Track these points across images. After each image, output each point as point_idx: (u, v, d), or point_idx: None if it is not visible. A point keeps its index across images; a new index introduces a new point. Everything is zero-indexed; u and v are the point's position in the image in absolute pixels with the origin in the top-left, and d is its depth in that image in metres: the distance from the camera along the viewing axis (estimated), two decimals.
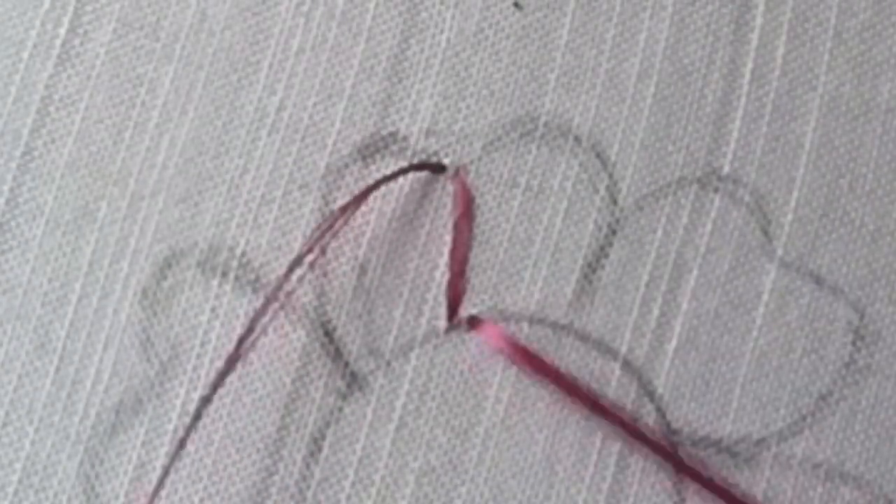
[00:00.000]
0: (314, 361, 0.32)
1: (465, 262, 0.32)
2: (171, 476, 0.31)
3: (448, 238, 0.32)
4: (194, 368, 0.32)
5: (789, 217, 0.33)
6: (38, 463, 0.32)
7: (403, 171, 0.32)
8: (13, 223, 0.32)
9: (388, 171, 0.32)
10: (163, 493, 0.32)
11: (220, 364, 0.32)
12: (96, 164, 0.32)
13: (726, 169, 0.33)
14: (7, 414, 0.32)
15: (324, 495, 0.32)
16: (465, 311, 0.32)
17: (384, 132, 0.32)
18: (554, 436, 0.32)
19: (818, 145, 0.33)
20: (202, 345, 0.32)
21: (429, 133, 0.32)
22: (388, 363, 0.32)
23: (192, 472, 0.32)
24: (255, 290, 0.32)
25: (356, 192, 0.32)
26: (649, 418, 0.32)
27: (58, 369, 0.32)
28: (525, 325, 0.32)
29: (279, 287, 0.32)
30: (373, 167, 0.32)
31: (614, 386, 0.32)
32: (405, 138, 0.32)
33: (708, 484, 0.32)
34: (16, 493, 0.32)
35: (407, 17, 0.32)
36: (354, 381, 0.32)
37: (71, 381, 0.32)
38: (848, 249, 0.33)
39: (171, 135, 0.32)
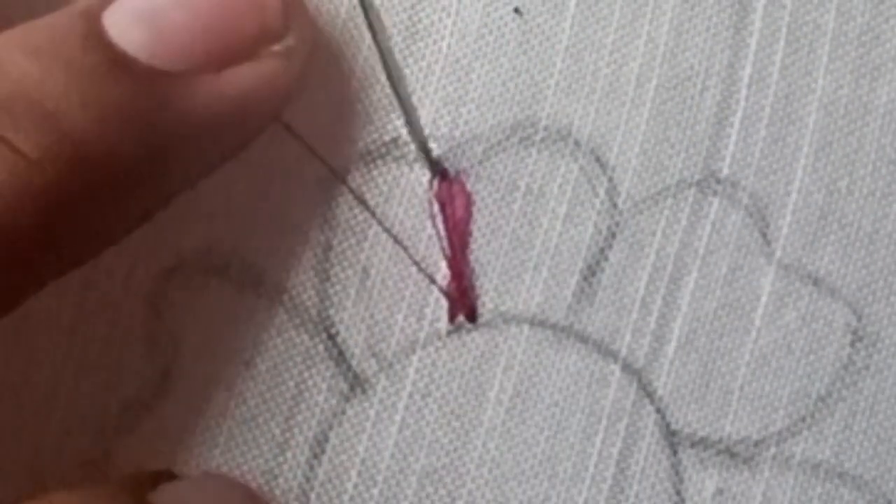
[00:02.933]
0: (317, 364, 0.32)
1: (466, 265, 0.32)
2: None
3: (448, 242, 0.32)
4: (196, 369, 0.32)
5: (787, 219, 0.33)
6: (40, 465, 0.32)
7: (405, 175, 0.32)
8: None
9: (391, 177, 0.32)
10: None
11: (223, 367, 0.32)
12: None
13: (725, 172, 0.33)
14: (10, 416, 0.32)
15: (327, 497, 0.32)
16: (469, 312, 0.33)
17: (385, 137, 0.32)
18: (554, 437, 0.32)
19: (816, 148, 0.33)
20: (204, 346, 0.32)
21: (430, 138, 0.32)
22: (391, 365, 0.33)
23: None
24: (257, 292, 0.32)
25: (358, 197, 0.32)
26: (649, 419, 0.33)
27: (59, 370, 0.32)
28: (526, 327, 0.33)
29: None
30: (375, 172, 0.32)
31: (614, 387, 0.33)
32: (407, 143, 0.32)
33: None
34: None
35: (408, 24, 0.32)
36: (357, 383, 0.32)
37: (73, 382, 0.32)
38: (846, 251, 0.33)
39: None
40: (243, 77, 0.29)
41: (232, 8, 0.29)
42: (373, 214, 0.32)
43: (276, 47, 0.30)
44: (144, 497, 0.28)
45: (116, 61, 0.28)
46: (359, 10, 0.32)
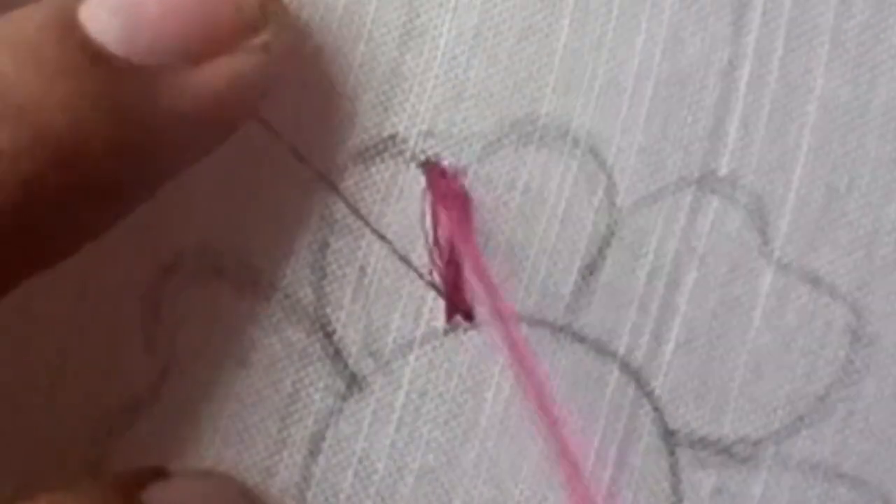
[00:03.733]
0: (314, 363, 0.32)
1: (463, 263, 0.32)
2: None
3: (445, 240, 0.32)
4: (193, 368, 0.32)
5: (787, 219, 0.33)
6: (39, 465, 0.32)
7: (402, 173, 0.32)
8: None
9: (388, 174, 0.32)
10: None
11: (220, 365, 0.32)
12: None
13: (724, 171, 0.33)
14: (8, 415, 0.32)
15: (323, 495, 0.32)
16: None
17: (384, 135, 0.32)
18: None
19: (815, 147, 0.33)
20: (201, 344, 0.32)
21: (428, 135, 0.32)
22: (388, 364, 0.33)
23: None
24: (254, 291, 0.32)
25: (355, 194, 0.32)
26: (647, 419, 0.33)
27: (57, 369, 0.32)
28: (524, 326, 0.33)
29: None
30: (373, 169, 0.32)
31: (612, 387, 0.33)
32: (404, 140, 0.32)
33: None
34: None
35: (406, 20, 0.32)
36: (354, 382, 0.33)
37: (70, 382, 0.32)
38: (845, 251, 0.33)
39: None
40: (221, 71, 0.29)
41: (209, 1, 0.29)
42: (364, 219, 0.32)
43: (255, 41, 0.30)
44: (135, 496, 0.28)
45: (93, 55, 0.28)
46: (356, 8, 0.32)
